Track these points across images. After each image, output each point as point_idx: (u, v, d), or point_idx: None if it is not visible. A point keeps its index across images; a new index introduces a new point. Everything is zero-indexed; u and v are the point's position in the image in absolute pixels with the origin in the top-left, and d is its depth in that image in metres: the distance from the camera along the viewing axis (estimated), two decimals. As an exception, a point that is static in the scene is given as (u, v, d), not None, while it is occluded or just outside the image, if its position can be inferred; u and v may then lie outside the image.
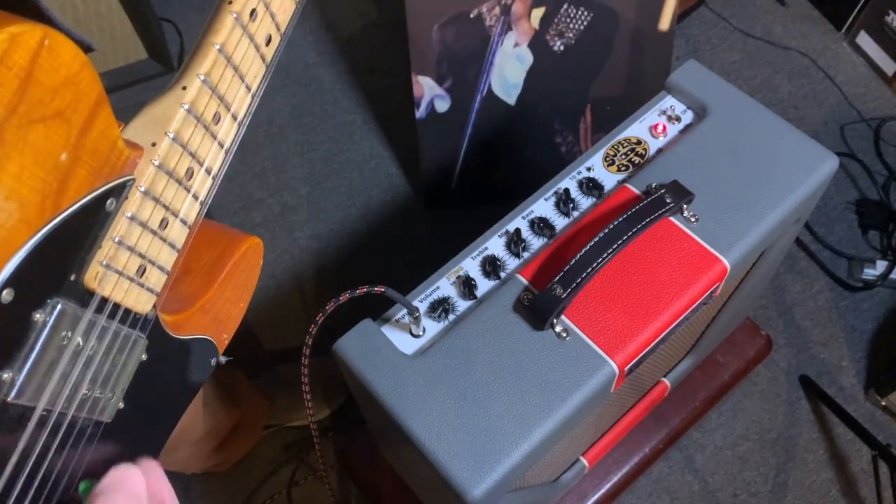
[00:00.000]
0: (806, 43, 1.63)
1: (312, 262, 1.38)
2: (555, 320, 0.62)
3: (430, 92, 1.26)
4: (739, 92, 0.76)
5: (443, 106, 1.27)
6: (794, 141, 0.73)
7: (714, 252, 0.67)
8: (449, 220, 1.39)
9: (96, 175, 0.37)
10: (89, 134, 0.36)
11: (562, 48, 1.24)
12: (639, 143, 0.75)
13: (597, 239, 0.61)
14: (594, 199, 0.72)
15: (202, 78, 0.42)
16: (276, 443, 1.20)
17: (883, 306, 1.32)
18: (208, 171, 0.45)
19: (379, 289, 0.56)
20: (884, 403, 1.21)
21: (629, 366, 0.64)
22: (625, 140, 0.75)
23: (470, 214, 1.20)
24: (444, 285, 0.68)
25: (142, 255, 0.42)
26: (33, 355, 0.36)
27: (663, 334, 0.65)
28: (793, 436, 1.21)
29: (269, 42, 0.46)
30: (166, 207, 0.43)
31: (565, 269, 0.60)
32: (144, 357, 0.46)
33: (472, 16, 1.19)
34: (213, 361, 0.60)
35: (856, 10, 1.58)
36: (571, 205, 0.71)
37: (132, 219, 0.40)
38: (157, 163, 0.41)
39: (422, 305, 0.67)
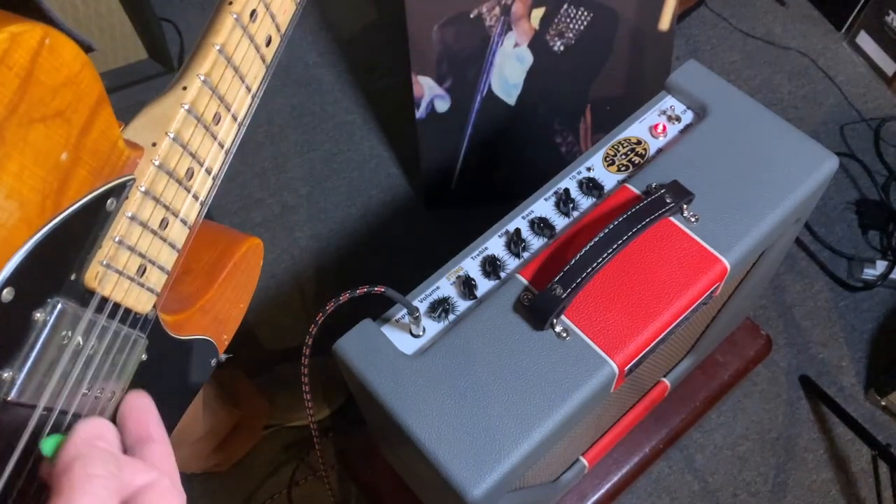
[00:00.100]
0: (806, 43, 1.63)
1: (312, 262, 1.38)
2: (555, 320, 0.62)
3: (430, 92, 1.26)
4: (739, 92, 0.76)
5: (443, 106, 1.27)
6: (794, 141, 0.73)
7: (714, 252, 0.67)
8: (449, 220, 1.39)
9: (97, 175, 0.37)
10: (90, 134, 0.36)
11: (562, 48, 1.24)
12: (639, 143, 0.75)
13: (597, 239, 0.61)
14: (594, 199, 0.72)
15: (202, 78, 0.42)
16: (276, 443, 1.20)
17: (883, 306, 1.32)
18: (208, 172, 0.45)
19: (379, 289, 0.56)
20: (884, 403, 1.21)
21: (629, 366, 0.64)
22: (625, 140, 0.75)
23: (470, 214, 1.20)
24: (444, 285, 0.68)
25: (142, 255, 0.42)
26: (34, 354, 0.36)
27: (663, 334, 0.65)
28: (793, 436, 1.21)
29: (269, 43, 0.46)
30: (166, 207, 0.43)
31: (565, 269, 0.60)
32: (144, 357, 0.46)
33: (472, 16, 1.19)
34: (213, 362, 0.60)
35: (856, 10, 1.58)
36: (571, 205, 0.71)
37: (132, 218, 0.40)
38: (157, 163, 0.41)
39: (422, 305, 0.67)
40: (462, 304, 0.66)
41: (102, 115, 0.36)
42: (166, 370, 0.53)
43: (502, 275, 0.68)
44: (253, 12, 0.43)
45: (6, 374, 0.35)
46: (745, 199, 0.70)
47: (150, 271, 0.43)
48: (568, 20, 1.21)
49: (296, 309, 1.33)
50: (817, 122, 1.52)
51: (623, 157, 0.74)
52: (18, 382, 0.36)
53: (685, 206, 0.68)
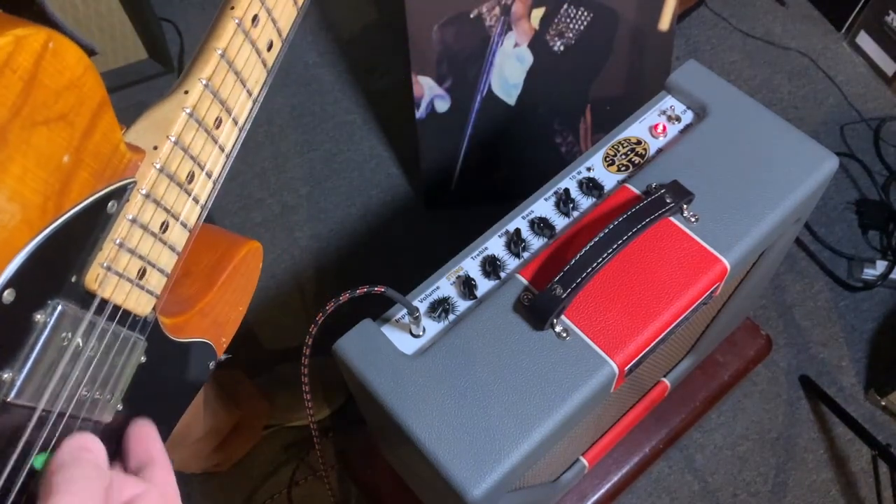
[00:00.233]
0: (806, 43, 1.63)
1: (312, 262, 1.38)
2: (555, 320, 0.62)
3: (430, 92, 1.26)
4: (739, 92, 0.76)
5: (443, 106, 1.27)
6: (793, 141, 0.73)
7: (714, 252, 0.67)
8: (449, 220, 1.39)
9: (98, 177, 0.37)
10: (92, 137, 0.36)
11: (562, 48, 1.24)
12: (639, 143, 0.75)
13: (597, 239, 0.61)
14: (594, 199, 0.72)
15: (204, 82, 0.42)
16: (276, 443, 1.20)
17: (883, 306, 1.32)
18: (209, 175, 0.45)
19: (379, 289, 0.56)
20: (884, 403, 1.21)
21: (629, 366, 0.64)
22: (625, 140, 0.75)
23: (470, 214, 1.21)
24: (444, 285, 0.68)
25: (142, 258, 0.42)
26: (34, 356, 0.36)
27: (663, 334, 0.65)
28: (793, 436, 1.21)
29: (270, 48, 0.46)
30: (167, 210, 0.43)
31: (565, 269, 0.60)
32: (143, 359, 0.46)
33: (472, 16, 1.19)
34: (212, 364, 0.60)
35: (856, 10, 1.58)
36: (571, 205, 0.71)
37: (133, 221, 0.40)
38: (158, 166, 0.41)
39: (422, 305, 0.67)
40: (462, 304, 0.67)
41: (105, 119, 0.36)
42: (165, 372, 0.53)
43: (502, 275, 0.68)
44: (255, 17, 0.43)
45: (6, 375, 0.35)
46: (745, 199, 0.70)
47: (151, 274, 0.43)
48: (568, 20, 1.21)
49: (296, 309, 1.33)
50: (817, 122, 1.52)
51: (623, 157, 0.74)
52: (18, 383, 0.36)
53: (685, 206, 0.68)
